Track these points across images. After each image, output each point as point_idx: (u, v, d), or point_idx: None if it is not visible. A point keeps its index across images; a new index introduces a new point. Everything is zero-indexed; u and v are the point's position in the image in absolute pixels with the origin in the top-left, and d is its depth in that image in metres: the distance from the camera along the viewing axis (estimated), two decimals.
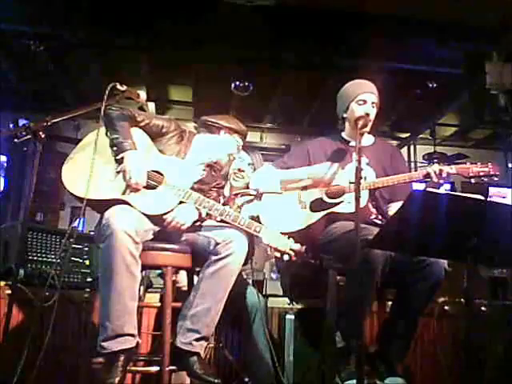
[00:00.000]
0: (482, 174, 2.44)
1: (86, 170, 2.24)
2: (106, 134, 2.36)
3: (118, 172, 2.33)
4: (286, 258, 2.27)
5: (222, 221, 2.36)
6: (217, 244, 2.23)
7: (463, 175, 2.46)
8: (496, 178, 2.45)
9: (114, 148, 2.32)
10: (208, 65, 4.86)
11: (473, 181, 2.47)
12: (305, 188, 2.65)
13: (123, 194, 2.29)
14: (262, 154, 3.36)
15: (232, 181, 3.21)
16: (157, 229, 2.36)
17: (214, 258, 2.22)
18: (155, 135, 2.50)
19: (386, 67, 4.49)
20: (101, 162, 2.34)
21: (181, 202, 2.35)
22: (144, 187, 2.32)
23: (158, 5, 3.88)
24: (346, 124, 2.75)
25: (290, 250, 2.27)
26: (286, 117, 6.11)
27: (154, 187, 2.37)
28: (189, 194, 2.35)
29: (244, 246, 2.26)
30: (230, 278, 2.23)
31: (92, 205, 2.29)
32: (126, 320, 2.10)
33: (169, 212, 2.33)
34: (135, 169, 2.28)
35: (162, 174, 2.40)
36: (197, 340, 2.19)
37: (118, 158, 2.31)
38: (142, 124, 2.46)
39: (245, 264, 2.44)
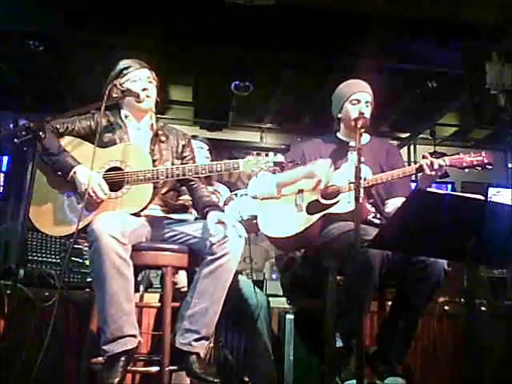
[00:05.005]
0: (475, 163, 2.39)
1: (47, 201, 2.28)
2: (41, 159, 2.28)
3: (79, 193, 2.29)
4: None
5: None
6: (212, 244, 2.21)
7: (456, 166, 2.41)
8: (490, 167, 2.38)
9: (59, 172, 2.29)
10: (208, 65, 4.85)
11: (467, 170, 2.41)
12: (301, 191, 2.65)
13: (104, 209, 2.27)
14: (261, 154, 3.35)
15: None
16: (147, 224, 2.36)
17: (209, 257, 2.21)
18: (87, 136, 2.40)
19: (386, 67, 4.49)
20: (52, 187, 2.32)
21: (154, 184, 2.32)
22: (112, 190, 2.29)
23: (157, 5, 3.88)
24: (341, 124, 2.75)
25: (274, 162, 2.29)
26: (286, 117, 6.10)
27: (120, 187, 2.31)
28: (156, 171, 2.31)
29: (240, 245, 2.25)
30: (227, 277, 2.22)
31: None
32: (124, 321, 2.10)
33: (150, 201, 2.32)
34: (91, 184, 2.24)
35: (120, 168, 2.34)
36: (196, 340, 2.19)
37: (68, 179, 2.27)
38: (67, 133, 2.39)
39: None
